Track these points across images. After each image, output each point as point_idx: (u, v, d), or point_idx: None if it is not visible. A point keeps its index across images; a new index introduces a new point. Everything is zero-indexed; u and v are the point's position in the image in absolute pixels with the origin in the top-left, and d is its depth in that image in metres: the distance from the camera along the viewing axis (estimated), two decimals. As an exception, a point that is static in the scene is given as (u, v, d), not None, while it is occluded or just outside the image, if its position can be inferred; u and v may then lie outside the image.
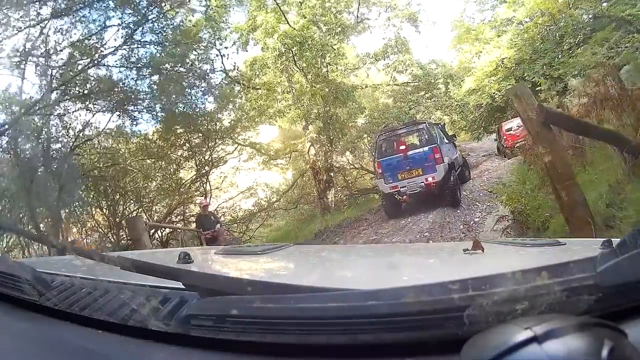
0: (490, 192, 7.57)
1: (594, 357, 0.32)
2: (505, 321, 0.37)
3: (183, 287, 0.58)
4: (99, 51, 8.41)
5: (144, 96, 9.31)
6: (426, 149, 7.54)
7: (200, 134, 10.89)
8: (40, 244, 6.85)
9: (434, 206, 7.37)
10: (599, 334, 0.34)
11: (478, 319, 0.38)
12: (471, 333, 0.38)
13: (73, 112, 8.68)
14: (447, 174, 7.34)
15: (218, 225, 7.04)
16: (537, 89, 9.71)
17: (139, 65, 8.91)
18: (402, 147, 7.88)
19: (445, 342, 0.40)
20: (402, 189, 7.51)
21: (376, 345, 0.43)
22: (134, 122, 9.49)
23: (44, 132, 7.98)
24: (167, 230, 9.61)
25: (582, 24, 11.93)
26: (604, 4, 11.47)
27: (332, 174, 12.27)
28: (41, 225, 7.71)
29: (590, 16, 11.97)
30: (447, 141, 8.59)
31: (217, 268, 1.13)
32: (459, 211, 7.01)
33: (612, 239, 0.62)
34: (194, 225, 7.89)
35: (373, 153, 9.04)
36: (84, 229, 9.29)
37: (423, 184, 7.35)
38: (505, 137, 11.62)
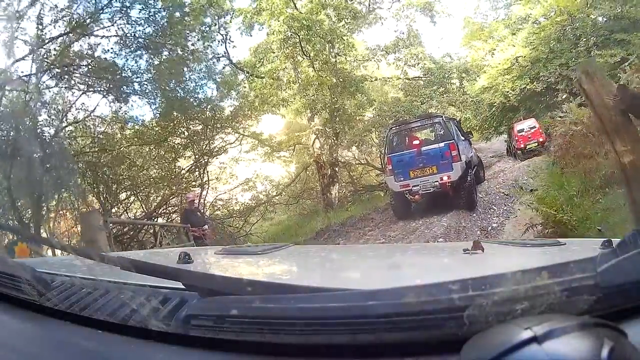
0: (507, 195, 7.43)
1: (594, 357, 0.34)
2: (505, 321, 0.39)
3: (183, 287, 0.60)
4: (90, 25, 8.38)
5: (139, 78, 9.30)
6: (442, 145, 7.33)
7: (198, 121, 10.87)
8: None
9: (448, 208, 7.19)
10: (599, 334, 0.36)
11: (478, 319, 0.40)
12: (471, 333, 0.40)
13: (53, 87, 8.66)
14: (464, 174, 7.15)
15: (206, 227, 7.04)
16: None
17: (134, 44, 8.87)
18: (416, 142, 7.68)
19: (445, 342, 0.42)
20: (413, 188, 7.33)
21: (376, 345, 0.44)
22: (128, 104, 9.49)
23: (27, 110, 7.88)
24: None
25: (599, 24, 11.80)
26: (624, 7, 11.30)
27: (336, 168, 12.26)
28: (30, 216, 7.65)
29: (605, 19, 11.85)
30: (463, 138, 8.38)
31: (217, 268, 1.16)
32: (474, 215, 6.87)
33: (612, 239, 0.64)
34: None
35: (383, 147, 8.84)
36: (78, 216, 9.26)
37: (437, 183, 7.15)
38: (517, 139, 11.71)
